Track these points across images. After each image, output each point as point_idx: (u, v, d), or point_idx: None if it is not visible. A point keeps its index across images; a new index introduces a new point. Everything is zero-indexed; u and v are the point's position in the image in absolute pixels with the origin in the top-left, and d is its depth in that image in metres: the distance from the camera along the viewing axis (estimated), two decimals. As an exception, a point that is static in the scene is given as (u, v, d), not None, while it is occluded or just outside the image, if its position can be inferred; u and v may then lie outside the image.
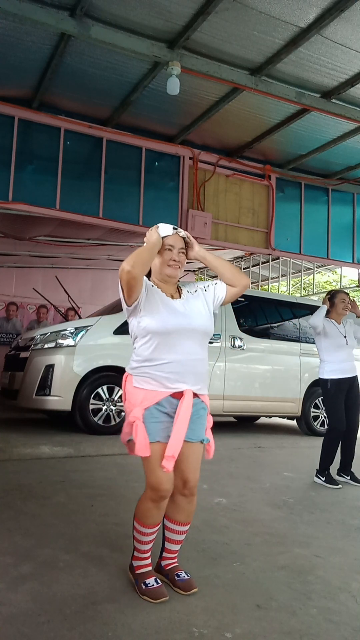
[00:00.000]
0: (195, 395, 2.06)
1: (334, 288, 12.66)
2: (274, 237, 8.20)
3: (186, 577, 2.08)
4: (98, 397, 5.64)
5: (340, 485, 4.04)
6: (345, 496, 3.79)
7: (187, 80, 5.64)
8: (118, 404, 5.71)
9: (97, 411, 5.63)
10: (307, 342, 7.05)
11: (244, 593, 2.07)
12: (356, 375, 4.31)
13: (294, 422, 7.53)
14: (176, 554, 2.17)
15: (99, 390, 5.65)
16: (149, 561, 2.07)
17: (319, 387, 6.57)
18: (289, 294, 12.84)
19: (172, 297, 2.11)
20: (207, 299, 2.17)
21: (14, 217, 7.27)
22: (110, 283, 11.37)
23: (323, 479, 4.09)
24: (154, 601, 1.93)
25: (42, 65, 5.72)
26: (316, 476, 4.17)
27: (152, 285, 2.11)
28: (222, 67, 5.52)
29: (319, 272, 14.35)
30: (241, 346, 6.51)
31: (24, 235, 8.49)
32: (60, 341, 5.65)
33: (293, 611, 1.94)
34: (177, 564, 2.15)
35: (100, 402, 5.65)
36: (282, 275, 13.10)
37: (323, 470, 4.13)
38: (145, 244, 2.09)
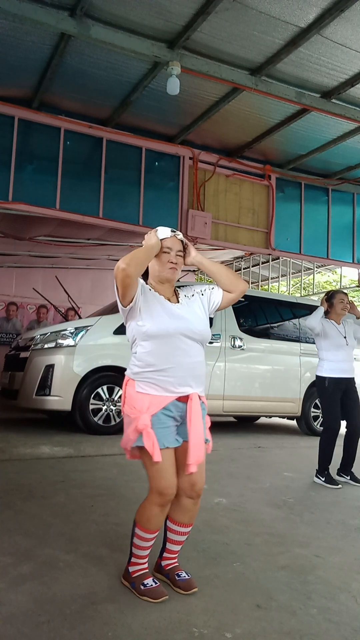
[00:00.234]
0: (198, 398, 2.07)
1: (334, 288, 12.67)
2: (274, 237, 8.20)
3: (186, 577, 2.08)
4: (98, 397, 5.64)
5: (340, 485, 4.04)
6: (345, 496, 3.79)
7: (187, 80, 5.64)
8: (118, 404, 5.71)
9: (97, 411, 5.63)
10: (307, 342, 7.05)
11: (244, 593, 2.07)
12: (353, 378, 4.32)
13: (294, 422, 7.53)
14: (177, 554, 2.17)
15: (99, 390, 5.65)
16: (146, 565, 2.07)
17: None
18: (289, 294, 12.84)
19: (170, 301, 2.12)
20: (203, 303, 2.18)
21: (14, 217, 7.27)
22: (110, 283, 11.22)
23: (323, 479, 4.09)
24: (154, 601, 1.93)
25: (42, 65, 5.72)
26: (316, 476, 4.17)
27: (150, 289, 2.11)
28: (222, 67, 5.52)
29: (319, 272, 14.36)
30: (241, 346, 6.51)
31: (24, 235, 8.49)
32: (60, 341, 5.65)
33: (293, 611, 1.94)
34: (177, 564, 2.15)
35: (100, 402, 5.65)
36: (282, 275, 13.10)
37: (322, 470, 4.14)
38: (143, 245, 2.09)
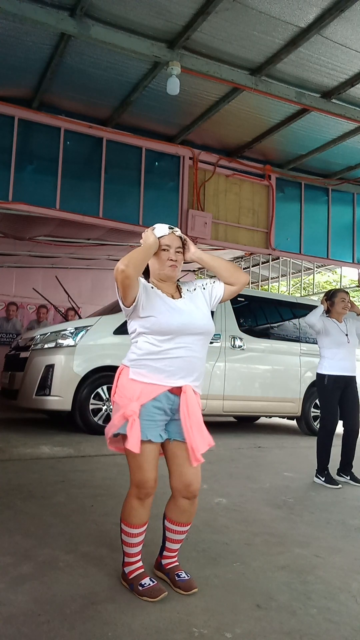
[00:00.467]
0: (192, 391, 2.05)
1: (334, 288, 12.65)
2: (274, 237, 8.20)
3: (186, 577, 2.08)
4: (98, 397, 5.64)
5: (340, 485, 4.04)
6: (345, 496, 3.79)
7: (187, 80, 5.64)
8: (118, 404, 5.71)
9: (97, 411, 5.63)
10: (307, 342, 7.06)
11: (244, 593, 2.07)
12: (354, 376, 4.31)
13: (294, 422, 7.53)
14: (176, 553, 2.16)
15: (99, 390, 5.65)
16: (140, 564, 2.06)
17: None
18: (289, 294, 12.84)
19: (173, 297, 2.11)
20: (205, 297, 2.17)
21: (14, 217, 7.27)
22: (110, 283, 11.32)
23: (323, 479, 4.09)
24: (153, 600, 1.93)
25: (42, 65, 5.72)
26: (316, 476, 4.17)
27: (152, 287, 2.10)
28: (222, 67, 5.52)
29: (319, 272, 14.36)
30: (241, 346, 6.51)
31: (24, 235, 8.49)
32: (60, 341, 5.65)
33: (293, 611, 1.94)
34: (177, 564, 2.15)
35: (100, 402, 5.66)
36: (282, 275, 13.11)
37: (322, 469, 4.14)
38: (141, 245, 2.09)
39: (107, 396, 5.69)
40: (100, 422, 5.62)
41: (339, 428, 4.29)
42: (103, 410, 5.66)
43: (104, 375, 5.66)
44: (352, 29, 4.89)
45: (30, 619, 1.78)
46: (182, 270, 2.23)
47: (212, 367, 6.19)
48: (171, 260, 2.10)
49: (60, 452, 4.62)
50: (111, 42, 5.00)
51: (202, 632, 1.76)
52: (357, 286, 12.53)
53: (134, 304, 2.01)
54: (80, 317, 8.25)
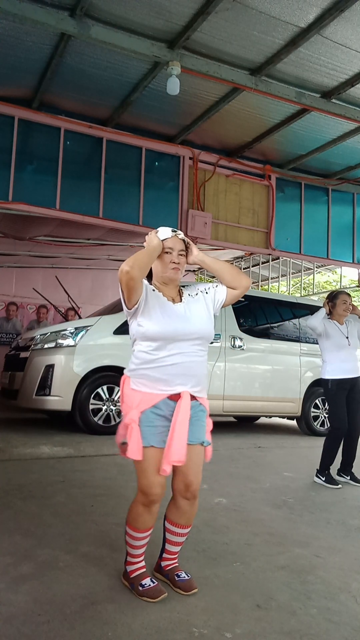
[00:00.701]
0: (193, 398, 2.05)
1: (334, 288, 12.66)
2: (274, 237, 8.20)
3: (186, 577, 2.08)
4: (98, 397, 5.64)
5: (340, 485, 4.04)
6: (345, 496, 3.79)
7: (187, 80, 5.64)
8: (118, 404, 5.71)
9: (97, 411, 5.63)
10: (307, 342, 7.05)
11: (244, 593, 2.07)
12: (358, 377, 4.30)
13: (294, 422, 7.53)
14: (176, 556, 2.16)
15: (99, 390, 5.65)
16: (142, 564, 2.06)
17: (319, 387, 6.59)
18: (289, 294, 12.84)
19: (174, 301, 2.11)
20: (207, 302, 2.17)
21: (14, 217, 7.27)
22: (110, 283, 11.37)
23: (323, 479, 4.09)
24: (153, 600, 1.93)
25: (42, 65, 5.72)
26: (316, 476, 4.17)
27: (153, 290, 2.10)
28: (222, 67, 5.52)
29: (319, 272, 14.36)
30: (241, 346, 6.51)
31: (24, 235, 8.49)
32: (60, 341, 5.65)
33: (293, 611, 1.94)
34: (177, 564, 2.15)
35: (100, 402, 5.65)
36: (282, 275, 13.11)
37: (323, 470, 4.13)
38: (145, 247, 2.09)
39: (107, 396, 5.69)
40: (100, 422, 5.62)
41: None
42: (103, 410, 5.66)
43: (104, 375, 5.66)
44: (352, 29, 4.90)
45: (30, 619, 1.78)
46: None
47: (212, 367, 6.19)
48: (174, 262, 2.10)
49: (60, 452, 4.62)
50: (111, 42, 5.00)
51: (202, 632, 1.76)
52: (357, 286, 12.53)
53: (136, 306, 2.02)
54: (80, 317, 8.25)
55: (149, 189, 7.31)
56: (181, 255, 2.13)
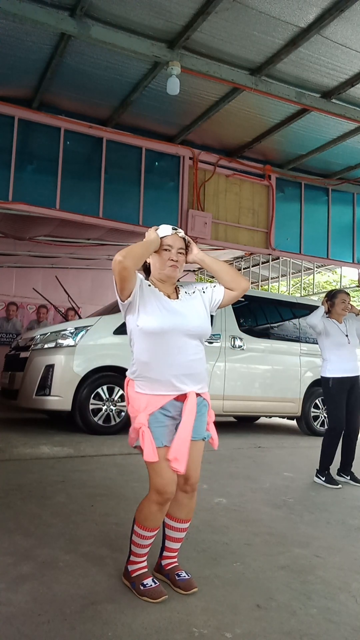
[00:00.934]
0: (197, 395, 2.06)
1: (334, 288, 12.64)
2: (274, 237, 8.20)
3: (186, 576, 2.08)
4: (98, 397, 5.64)
5: (340, 485, 4.04)
6: (345, 496, 3.79)
7: (187, 80, 5.64)
8: (118, 404, 5.71)
9: (97, 411, 5.63)
10: (307, 342, 7.05)
11: (244, 593, 2.07)
12: (358, 376, 4.31)
13: (294, 422, 7.53)
14: (176, 553, 2.17)
15: (99, 390, 5.65)
16: (145, 564, 2.07)
17: (319, 387, 6.59)
18: (289, 294, 12.84)
19: (170, 297, 2.11)
20: (204, 300, 2.17)
21: (14, 217, 7.27)
22: (110, 283, 11.20)
23: (323, 479, 4.09)
24: (153, 601, 1.93)
25: (42, 65, 5.72)
26: (316, 476, 4.17)
27: (149, 285, 2.10)
28: (222, 67, 5.52)
29: (319, 272, 14.35)
30: (241, 346, 6.50)
31: (24, 235, 8.49)
32: (60, 341, 5.65)
33: (293, 611, 1.94)
34: (177, 564, 2.15)
35: (100, 402, 5.65)
36: (282, 275, 13.11)
37: (323, 470, 4.13)
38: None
39: (107, 396, 5.69)
40: (100, 422, 5.62)
41: None
42: (103, 410, 5.66)
43: (104, 375, 5.66)
44: (352, 29, 4.90)
45: (30, 619, 1.78)
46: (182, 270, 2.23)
47: (212, 367, 6.19)
48: (172, 260, 2.10)
49: (60, 452, 4.62)
50: (111, 42, 5.00)
51: (202, 632, 1.76)
52: (357, 286, 12.54)
53: (129, 298, 2.01)
54: (80, 317, 8.25)
55: (149, 189, 7.31)
56: (180, 253, 2.12)
